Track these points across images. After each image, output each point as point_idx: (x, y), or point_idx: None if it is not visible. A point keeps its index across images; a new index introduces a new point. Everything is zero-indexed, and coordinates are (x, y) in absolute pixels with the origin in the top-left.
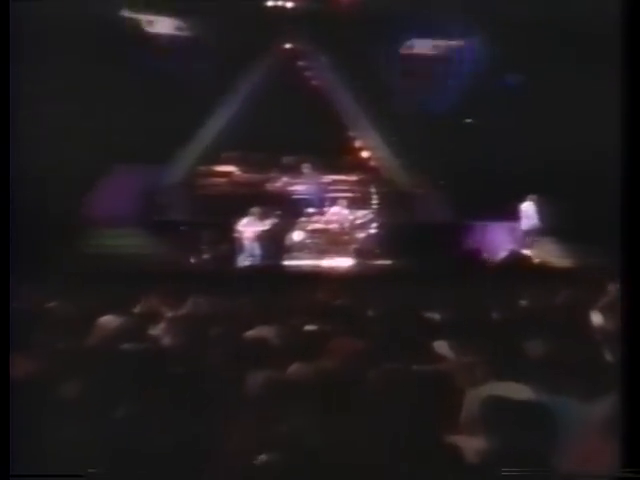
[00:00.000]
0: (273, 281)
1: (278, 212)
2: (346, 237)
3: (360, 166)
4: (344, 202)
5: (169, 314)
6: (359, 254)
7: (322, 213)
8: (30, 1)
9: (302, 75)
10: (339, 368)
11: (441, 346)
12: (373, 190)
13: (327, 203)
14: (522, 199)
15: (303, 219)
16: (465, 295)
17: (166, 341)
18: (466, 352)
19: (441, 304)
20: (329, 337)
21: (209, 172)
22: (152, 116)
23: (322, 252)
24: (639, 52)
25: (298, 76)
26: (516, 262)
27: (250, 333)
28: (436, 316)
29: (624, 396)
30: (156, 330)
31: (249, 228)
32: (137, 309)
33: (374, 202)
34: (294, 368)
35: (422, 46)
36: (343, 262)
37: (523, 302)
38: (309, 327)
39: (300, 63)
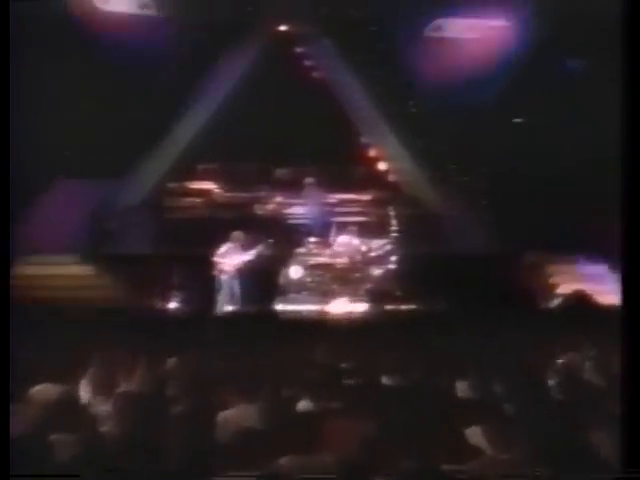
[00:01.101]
0: (259, 333)
1: (269, 240)
2: (357, 274)
3: (375, 181)
4: (355, 229)
5: (118, 386)
6: (374, 297)
7: (326, 243)
8: (30, 1)
9: (300, 65)
10: (344, 465)
11: (475, 434)
12: (392, 212)
13: (333, 230)
14: (592, 223)
15: (302, 250)
16: (514, 355)
17: (112, 428)
18: (510, 444)
19: (482, 368)
20: (331, 419)
21: (180, 190)
22: (105, 116)
23: (326, 294)
24: None
25: (295, 66)
26: (581, 305)
27: (225, 416)
28: (473, 389)
29: (624, 396)
30: (100, 405)
31: (228, 259)
32: (80, 376)
33: (393, 228)
34: (284, 464)
35: (454, 27)
36: (353, 308)
37: (592, 362)
38: (304, 404)
39: (298, 49)
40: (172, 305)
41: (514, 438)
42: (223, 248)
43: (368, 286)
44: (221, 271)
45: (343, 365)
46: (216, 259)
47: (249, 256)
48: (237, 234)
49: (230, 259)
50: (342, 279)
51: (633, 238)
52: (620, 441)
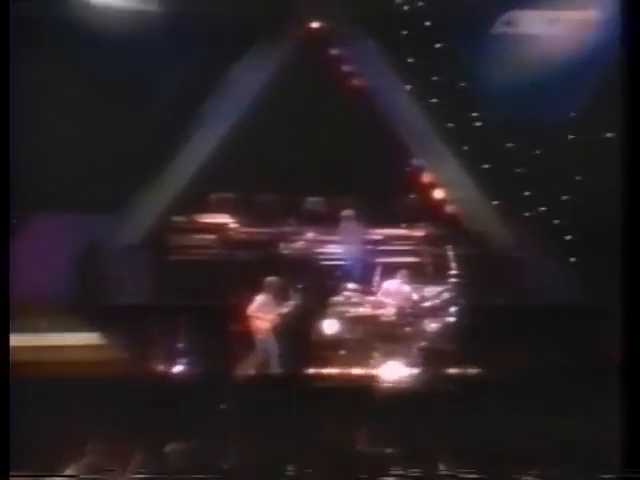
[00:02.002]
0: (282, 405)
1: (298, 287)
2: (407, 330)
3: (430, 214)
4: (404, 272)
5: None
6: (428, 359)
7: (369, 290)
8: (30, 1)
9: (336, 70)
10: None
11: None
12: (450, 252)
13: (377, 274)
14: None
15: (338, 300)
16: (607, 445)
17: None
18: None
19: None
20: None
21: (189, 225)
22: (97, 135)
23: (368, 354)
24: None
25: (329, 72)
26: None
27: None
28: None
29: (624, 396)
30: None
31: (264, 312)
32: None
33: (452, 272)
34: None
35: (528, 22)
36: (402, 373)
37: None
38: None
39: (333, 51)
40: (180, 370)
41: None
42: (258, 299)
43: (421, 345)
44: (257, 329)
45: (389, 451)
46: (251, 313)
47: (286, 308)
48: (272, 281)
49: (266, 313)
50: (388, 336)
51: None
52: (620, 441)
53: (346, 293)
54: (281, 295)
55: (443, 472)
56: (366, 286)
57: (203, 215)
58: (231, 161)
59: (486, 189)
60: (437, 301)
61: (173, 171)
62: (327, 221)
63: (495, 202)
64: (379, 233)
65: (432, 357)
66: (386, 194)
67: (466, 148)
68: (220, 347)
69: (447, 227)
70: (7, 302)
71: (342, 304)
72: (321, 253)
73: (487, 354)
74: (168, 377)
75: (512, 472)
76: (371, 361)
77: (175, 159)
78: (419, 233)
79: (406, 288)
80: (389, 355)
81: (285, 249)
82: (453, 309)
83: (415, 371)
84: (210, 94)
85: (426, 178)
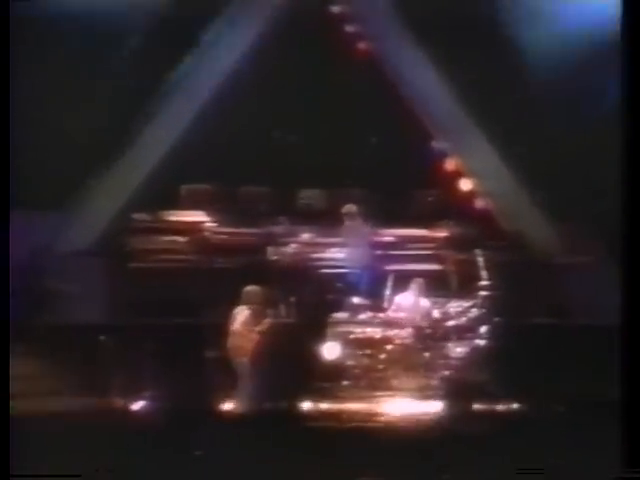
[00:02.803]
0: (276, 446)
1: (290, 301)
2: (427, 355)
3: (455, 210)
4: (422, 283)
5: None
6: (453, 392)
7: (378, 306)
8: (30, 1)
9: (339, 34)
10: None
11: None
12: (480, 258)
13: (389, 285)
14: None
15: (340, 317)
16: None
17: None
18: None
19: None
20: None
21: (153, 225)
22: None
23: (377, 386)
24: None
25: (331, 35)
26: None
27: None
28: None
29: (624, 396)
30: None
31: (246, 332)
32: None
33: (482, 283)
34: None
35: None
36: (419, 408)
37: None
38: None
39: (334, 10)
40: (143, 407)
41: None
42: (238, 315)
43: (444, 375)
44: (237, 352)
45: None
46: (230, 333)
47: (274, 327)
48: (255, 292)
49: (247, 332)
50: (403, 362)
51: None
52: (620, 441)
53: (350, 309)
54: (268, 310)
55: None
56: (375, 300)
57: (171, 212)
58: (207, 145)
59: (525, 180)
60: (463, 319)
61: (133, 158)
62: (326, 220)
63: (536, 196)
64: (391, 234)
65: (457, 391)
66: (400, 186)
67: (500, 129)
68: (193, 376)
69: (476, 227)
70: (7, 304)
71: (345, 323)
72: (319, 259)
73: (526, 386)
74: (128, 415)
75: None
76: (381, 395)
77: (136, 143)
78: (441, 234)
79: (425, 303)
80: (403, 388)
81: (274, 254)
82: (483, 329)
83: (436, 409)
84: (183, 59)
85: (451, 166)
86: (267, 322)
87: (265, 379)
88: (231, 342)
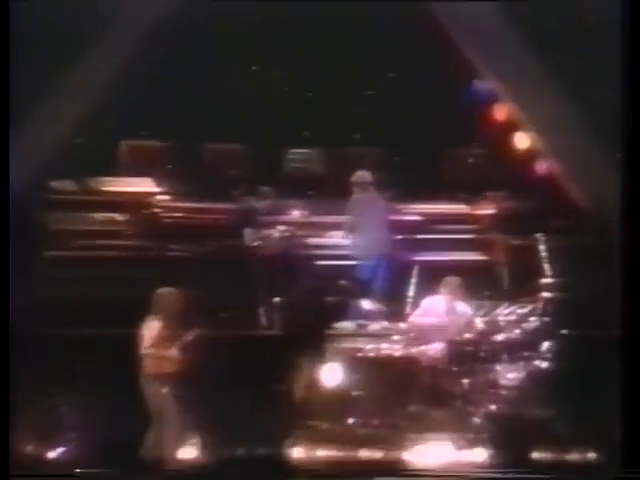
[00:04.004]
0: None
1: (273, 303)
2: (466, 382)
3: (507, 177)
4: (458, 280)
5: None
6: (507, 433)
7: (398, 312)
8: (30, 1)
9: None
10: None
11: None
12: (542, 245)
13: (413, 283)
14: None
15: (345, 328)
16: None
17: None
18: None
19: None
20: None
21: (81, 197)
22: None
23: (397, 425)
24: None
25: None
26: None
27: None
28: None
29: (624, 396)
30: None
31: (155, 350)
32: None
33: (545, 281)
34: None
35: None
36: (456, 459)
37: None
38: None
39: None
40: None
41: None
42: (150, 330)
43: (490, 409)
44: (157, 378)
45: None
46: (149, 349)
47: (193, 340)
48: (166, 295)
49: (165, 349)
50: (433, 392)
51: None
52: (620, 441)
53: (358, 317)
54: (196, 319)
55: None
56: (393, 305)
57: (105, 180)
58: (154, 84)
59: (605, 135)
60: (518, 332)
61: (51, 105)
62: (327, 191)
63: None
64: (417, 211)
65: (510, 433)
66: (430, 143)
67: (571, 63)
68: (123, 409)
69: (536, 201)
70: (7, 302)
71: (351, 336)
72: (316, 246)
73: (606, 425)
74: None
75: None
76: (401, 441)
77: (56, 85)
78: (487, 211)
79: (463, 308)
80: (433, 430)
81: (253, 239)
82: (546, 346)
83: (480, 459)
84: None
85: (501, 114)
86: (191, 335)
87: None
88: (146, 365)
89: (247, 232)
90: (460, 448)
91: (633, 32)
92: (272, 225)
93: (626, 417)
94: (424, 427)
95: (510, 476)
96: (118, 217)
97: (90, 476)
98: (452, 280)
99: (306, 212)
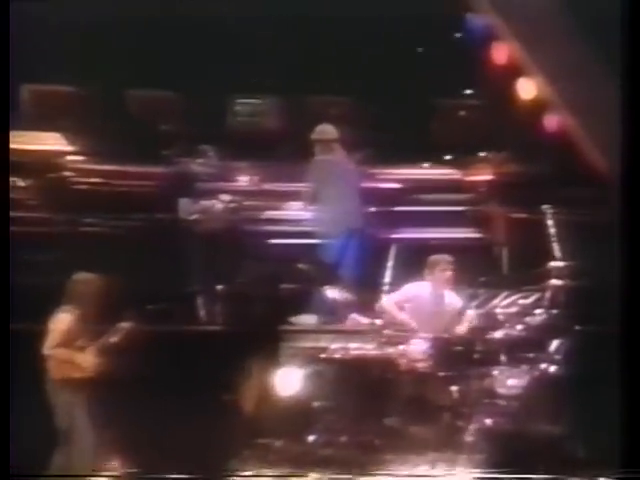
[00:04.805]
0: None
1: (214, 291)
2: (456, 390)
3: (507, 135)
4: (448, 262)
5: None
6: (506, 456)
7: (373, 304)
8: (30, 1)
9: None
10: None
11: None
12: (551, 220)
13: (391, 267)
14: None
15: (305, 323)
16: None
17: None
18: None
19: None
20: None
21: None
22: None
23: (371, 446)
24: None
25: None
26: None
27: None
28: None
29: (624, 396)
30: None
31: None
32: None
33: (555, 265)
34: None
35: None
36: None
37: None
38: None
39: None
40: None
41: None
42: (60, 325)
43: (487, 424)
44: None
45: None
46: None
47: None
48: (83, 281)
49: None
50: (416, 404)
51: None
52: (620, 441)
53: (322, 309)
54: (125, 312)
55: None
56: (366, 294)
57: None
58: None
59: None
60: (521, 328)
61: None
62: (282, 151)
63: None
64: (397, 177)
65: (512, 454)
66: (412, 93)
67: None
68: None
69: (544, 165)
70: (7, 301)
71: (313, 333)
72: (269, 220)
73: (627, 444)
74: None
75: None
76: (377, 464)
77: None
78: (484, 177)
79: (452, 298)
80: (417, 451)
81: (189, 211)
82: (556, 346)
83: None
84: None
85: (501, 57)
86: (114, 333)
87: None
88: (54, 368)
89: (183, 203)
90: (447, 472)
91: None
92: (214, 194)
93: (626, 417)
94: (403, 446)
95: (509, 476)
96: (18, 182)
97: (90, 476)
98: (439, 263)
99: (257, 177)
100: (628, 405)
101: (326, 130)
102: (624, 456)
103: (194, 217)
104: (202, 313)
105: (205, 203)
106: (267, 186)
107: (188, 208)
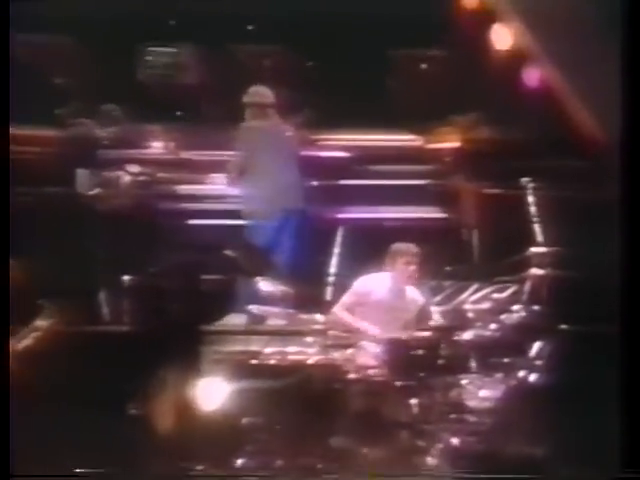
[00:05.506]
0: None
1: (120, 282)
2: (418, 402)
3: (478, 89)
4: (403, 253)
5: None
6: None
7: (316, 299)
8: (30, 1)
9: None
10: None
11: None
12: (532, 196)
13: (338, 253)
14: None
15: (232, 322)
16: None
17: None
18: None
19: None
20: None
21: None
22: None
23: (313, 469)
24: None
25: None
26: None
27: None
28: None
29: (624, 396)
30: None
31: None
32: None
33: (537, 250)
34: None
35: None
36: None
37: None
38: None
39: None
40: None
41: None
42: None
43: (454, 443)
44: None
45: None
46: None
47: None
48: None
49: None
50: (369, 419)
51: None
52: (620, 441)
53: (253, 305)
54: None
55: None
56: (307, 287)
57: None
58: None
59: None
60: (494, 326)
61: None
62: (203, 113)
63: None
64: (342, 145)
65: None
66: (363, 43)
67: None
68: None
69: (524, 131)
70: (7, 301)
71: (241, 335)
72: (186, 197)
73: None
74: None
75: None
76: None
77: None
78: (450, 145)
79: (412, 292)
80: (367, 473)
81: (88, 185)
82: (538, 348)
83: None
84: None
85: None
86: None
87: None
88: None
89: (81, 174)
90: None
91: None
92: (120, 164)
93: (626, 417)
94: (352, 472)
95: (507, 476)
96: None
97: (90, 476)
98: (397, 250)
99: (173, 144)
100: (628, 413)
101: (261, 92)
102: (624, 456)
103: (94, 192)
104: (104, 311)
105: (108, 175)
106: (186, 155)
107: (87, 181)
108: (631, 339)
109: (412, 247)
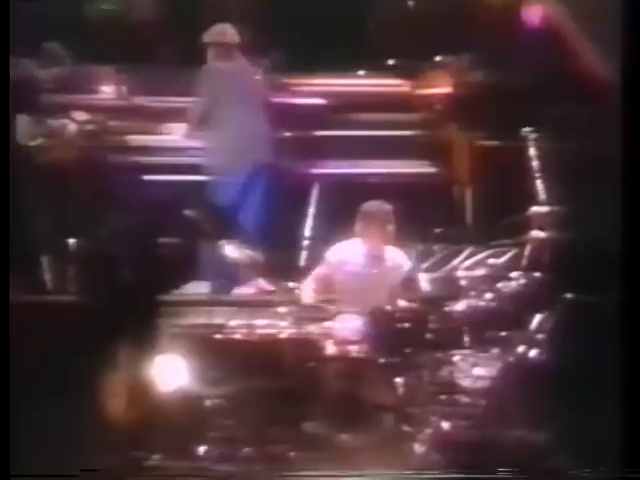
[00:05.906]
0: None
1: (69, 248)
2: (403, 383)
3: (471, 29)
4: (385, 213)
5: None
6: (469, 469)
7: (287, 267)
8: (30, 1)
9: None
10: None
11: None
12: (534, 150)
13: (312, 215)
14: None
15: (192, 293)
16: None
17: None
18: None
19: None
20: None
21: None
22: None
23: (283, 458)
24: None
25: None
26: None
27: None
28: None
29: (624, 396)
30: None
31: None
32: None
33: (537, 210)
34: None
35: None
36: None
37: None
38: None
39: None
40: None
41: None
42: None
43: (444, 427)
44: None
45: None
46: None
47: None
48: None
49: None
50: (348, 404)
51: None
52: (620, 441)
53: (216, 273)
54: None
55: None
56: (277, 251)
57: None
58: None
59: None
60: (489, 296)
61: None
62: (159, 54)
63: None
64: (316, 90)
65: (477, 464)
66: None
67: None
68: None
69: (524, 73)
70: (7, 299)
71: (204, 306)
72: (140, 150)
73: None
74: None
75: None
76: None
77: None
78: (439, 90)
79: (396, 257)
80: (347, 462)
81: (31, 134)
82: (537, 319)
83: None
84: None
85: None
86: None
87: None
88: None
89: (21, 121)
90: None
91: None
92: (65, 110)
93: (626, 417)
94: (330, 460)
95: (505, 476)
96: None
97: (90, 476)
98: (367, 210)
99: (125, 89)
100: (628, 404)
101: (225, 31)
102: (624, 456)
103: (36, 142)
104: (47, 279)
105: (52, 123)
106: (139, 101)
107: (27, 130)
108: (632, 339)
109: (384, 205)
